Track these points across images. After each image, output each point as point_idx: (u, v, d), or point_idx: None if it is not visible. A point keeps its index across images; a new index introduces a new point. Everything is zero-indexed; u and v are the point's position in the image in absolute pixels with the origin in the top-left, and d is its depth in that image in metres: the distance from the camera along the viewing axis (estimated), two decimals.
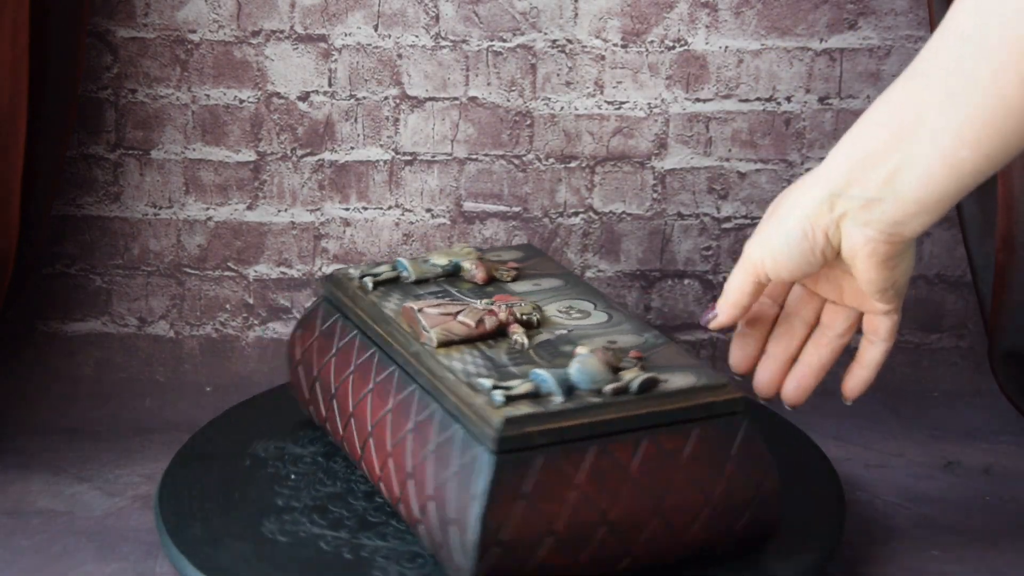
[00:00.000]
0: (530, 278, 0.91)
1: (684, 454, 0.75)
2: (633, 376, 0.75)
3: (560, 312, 0.86)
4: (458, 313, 0.82)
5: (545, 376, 0.75)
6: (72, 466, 0.99)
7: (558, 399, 0.74)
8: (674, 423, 0.75)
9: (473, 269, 0.91)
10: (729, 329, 0.80)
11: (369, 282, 0.89)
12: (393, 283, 0.90)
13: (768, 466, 0.76)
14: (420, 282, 0.90)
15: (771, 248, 0.74)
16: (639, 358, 0.79)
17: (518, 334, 0.82)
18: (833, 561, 0.84)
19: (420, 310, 0.83)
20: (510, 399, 0.73)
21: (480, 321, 0.82)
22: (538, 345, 0.81)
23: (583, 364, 0.75)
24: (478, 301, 0.86)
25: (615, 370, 0.76)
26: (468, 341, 0.81)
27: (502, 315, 0.83)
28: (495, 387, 0.74)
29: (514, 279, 0.91)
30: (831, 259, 0.74)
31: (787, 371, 0.83)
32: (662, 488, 0.74)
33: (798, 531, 0.83)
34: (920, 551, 0.89)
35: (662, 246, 1.17)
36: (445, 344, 0.81)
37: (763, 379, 0.82)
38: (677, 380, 0.76)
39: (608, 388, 0.74)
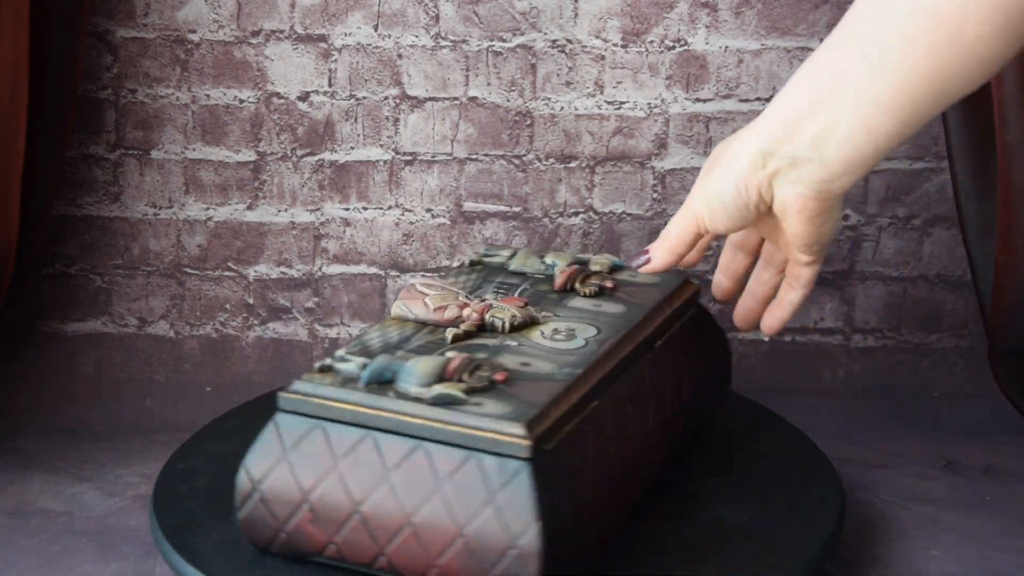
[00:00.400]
0: (612, 299, 0.90)
1: (446, 475, 0.72)
2: (447, 389, 0.74)
3: (547, 331, 0.85)
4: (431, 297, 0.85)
5: (370, 363, 0.76)
6: (72, 466, 0.99)
7: (359, 384, 0.75)
8: (447, 443, 0.73)
9: (558, 274, 0.91)
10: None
11: (470, 257, 0.93)
12: (487, 268, 0.94)
13: (530, 523, 0.70)
14: (517, 273, 0.93)
15: (708, 201, 0.77)
16: (502, 380, 0.76)
17: (454, 330, 0.82)
18: (833, 561, 0.84)
19: (412, 285, 0.85)
20: (322, 369, 0.76)
21: (442, 308, 0.84)
22: (471, 346, 0.81)
23: (414, 364, 0.76)
24: (488, 297, 0.86)
25: (458, 380, 0.75)
26: (424, 323, 0.83)
27: (469, 311, 0.84)
28: (336, 358, 0.77)
29: (593, 294, 0.90)
30: (763, 215, 0.76)
31: (763, 306, 0.86)
32: (418, 500, 0.73)
33: (798, 531, 0.83)
34: (920, 551, 0.89)
35: None
36: (398, 318, 0.84)
37: (740, 314, 0.86)
38: (489, 407, 0.73)
39: (413, 391, 0.74)
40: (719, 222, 0.77)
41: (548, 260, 0.94)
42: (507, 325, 0.83)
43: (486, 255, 0.96)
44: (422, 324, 0.84)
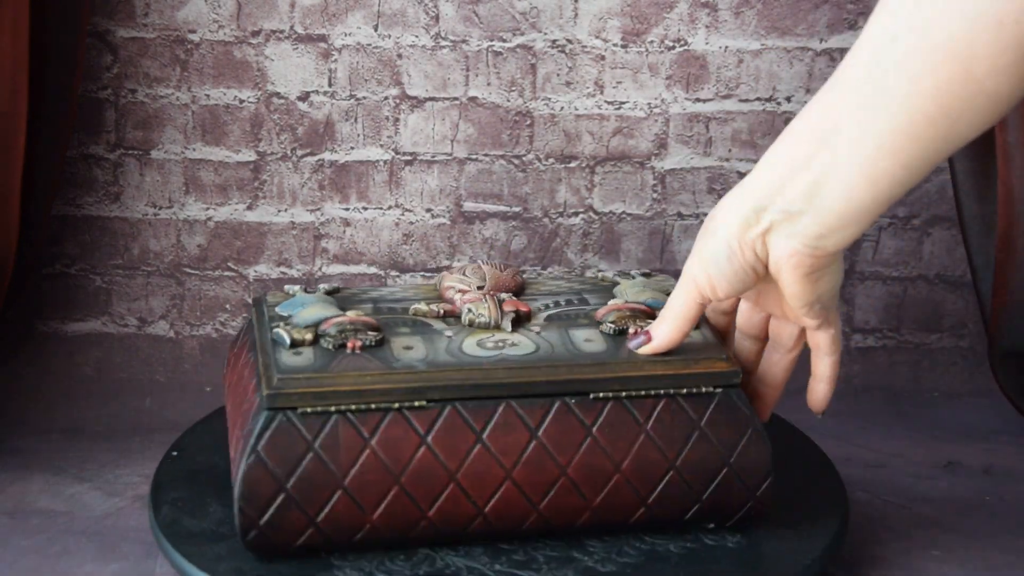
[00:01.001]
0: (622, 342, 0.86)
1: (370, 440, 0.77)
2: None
3: (493, 338, 0.83)
4: (460, 296, 0.86)
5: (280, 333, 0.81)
6: (72, 466, 0.99)
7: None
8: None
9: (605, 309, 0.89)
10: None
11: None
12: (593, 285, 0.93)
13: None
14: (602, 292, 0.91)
15: (705, 267, 0.74)
16: (352, 347, 0.80)
17: (418, 306, 0.85)
18: (833, 561, 0.84)
19: (477, 265, 0.89)
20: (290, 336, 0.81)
21: (451, 288, 0.87)
22: (401, 320, 0.84)
23: (306, 310, 0.83)
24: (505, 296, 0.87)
25: (322, 334, 0.81)
26: (435, 316, 0.85)
27: (459, 298, 0.86)
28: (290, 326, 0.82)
29: (612, 333, 0.85)
30: (763, 275, 0.73)
31: (778, 391, 0.83)
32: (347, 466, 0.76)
33: (798, 531, 0.83)
34: (920, 551, 0.89)
35: (662, 246, 1.17)
36: (418, 313, 0.85)
37: (757, 406, 0.82)
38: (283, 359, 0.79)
39: (295, 334, 0.80)
40: (719, 287, 0.74)
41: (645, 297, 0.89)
42: (467, 320, 0.83)
43: (613, 277, 0.93)
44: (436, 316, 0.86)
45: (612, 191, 1.16)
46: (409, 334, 0.82)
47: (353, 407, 0.76)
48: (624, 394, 0.78)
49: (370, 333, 0.80)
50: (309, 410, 0.76)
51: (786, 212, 0.69)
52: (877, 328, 1.19)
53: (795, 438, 0.97)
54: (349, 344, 0.79)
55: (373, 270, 1.17)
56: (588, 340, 0.82)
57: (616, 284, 0.91)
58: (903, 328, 1.19)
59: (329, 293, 0.88)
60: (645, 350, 0.79)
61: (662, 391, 0.78)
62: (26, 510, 0.92)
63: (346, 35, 1.13)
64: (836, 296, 0.76)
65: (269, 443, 0.75)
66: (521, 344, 0.81)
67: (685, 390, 0.78)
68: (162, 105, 1.14)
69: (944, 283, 1.18)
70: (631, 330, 0.82)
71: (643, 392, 0.78)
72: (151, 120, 1.14)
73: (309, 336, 0.80)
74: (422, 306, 0.85)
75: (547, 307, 0.87)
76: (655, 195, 1.16)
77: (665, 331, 0.78)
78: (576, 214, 1.16)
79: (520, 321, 0.84)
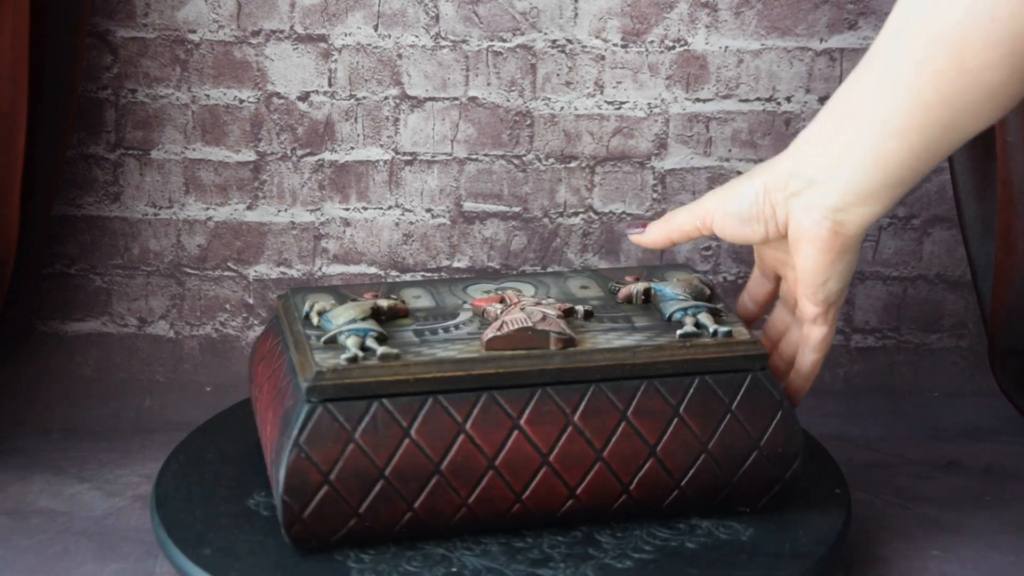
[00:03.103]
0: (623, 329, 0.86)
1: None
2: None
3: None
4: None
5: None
6: (72, 466, 0.99)
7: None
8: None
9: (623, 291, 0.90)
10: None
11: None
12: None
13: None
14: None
15: (724, 202, 0.77)
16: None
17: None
18: (833, 561, 0.84)
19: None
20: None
21: (495, 300, 0.88)
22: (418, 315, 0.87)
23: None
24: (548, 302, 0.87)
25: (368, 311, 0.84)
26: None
27: (492, 307, 0.87)
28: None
29: (638, 300, 0.88)
30: (772, 236, 0.76)
31: (775, 347, 0.87)
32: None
33: (798, 531, 0.83)
34: (920, 551, 0.89)
35: None
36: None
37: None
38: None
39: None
40: (727, 227, 0.77)
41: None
42: (487, 316, 0.85)
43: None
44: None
45: (612, 191, 1.16)
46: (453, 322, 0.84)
47: (391, 396, 0.77)
48: (656, 378, 0.79)
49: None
50: (348, 401, 0.77)
51: (811, 180, 0.72)
52: (877, 328, 1.19)
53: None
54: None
55: (373, 270, 1.17)
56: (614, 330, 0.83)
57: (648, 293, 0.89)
58: (903, 328, 1.19)
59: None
60: (636, 239, 0.85)
61: (693, 374, 0.80)
62: (26, 510, 0.92)
63: (346, 35, 1.13)
64: (842, 292, 0.78)
65: (311, 436, 0.76)
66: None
67: (715, 373, 0.80)
68: (162, 105, 1.14)
69: (944, 283, 1.18)
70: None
71: (674, 374, 0.80)
72: (151, 120, 1.14)
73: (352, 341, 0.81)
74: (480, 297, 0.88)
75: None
76: (655, 195, 1.16)
77: (655, 232, 0.83)
78: (576, 214, 1.16)
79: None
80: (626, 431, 0.79)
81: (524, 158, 1.15)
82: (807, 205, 0.73)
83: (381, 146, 1.15)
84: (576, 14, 1.12)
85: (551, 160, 1.15)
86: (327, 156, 1.15)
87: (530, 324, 0.81)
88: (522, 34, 1.13)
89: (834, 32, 1.13)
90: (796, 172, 0.73)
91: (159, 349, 1.17)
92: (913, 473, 1.01)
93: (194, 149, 1.15)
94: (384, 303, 0.86)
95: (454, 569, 0.78)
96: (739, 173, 1.15)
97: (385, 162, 1.15)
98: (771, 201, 0.74)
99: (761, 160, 1.15)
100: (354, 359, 0.78)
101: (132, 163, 1.15)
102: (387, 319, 0.85)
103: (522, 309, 0.83)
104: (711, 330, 0.82)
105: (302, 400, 0.77)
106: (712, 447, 0.80)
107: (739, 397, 0.80)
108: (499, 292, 0.89)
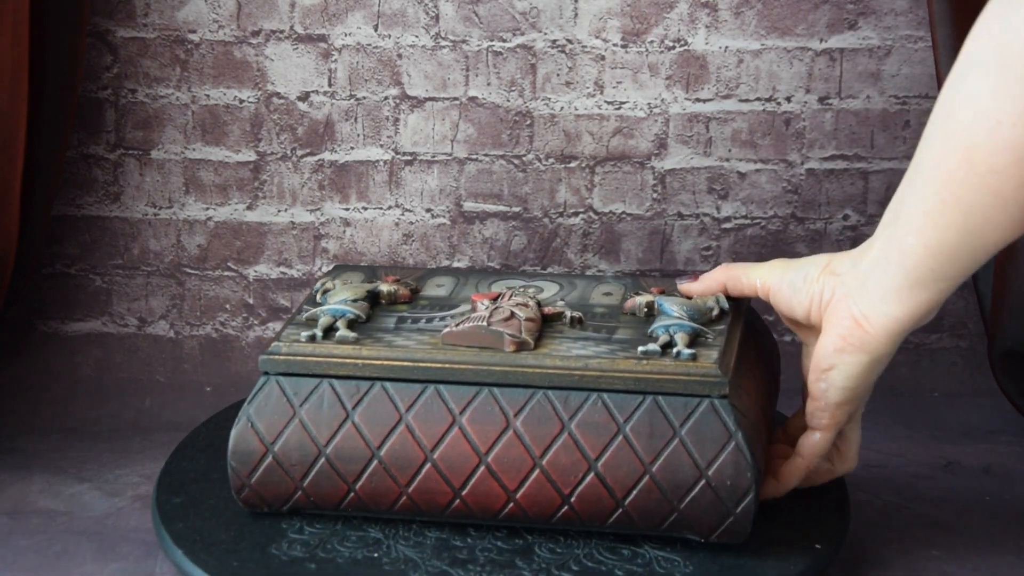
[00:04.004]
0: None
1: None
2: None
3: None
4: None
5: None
6: (72, 466, 0.99)
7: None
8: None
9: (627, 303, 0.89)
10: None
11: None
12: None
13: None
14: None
15: (788, 270, 0.78)
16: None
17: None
18: (833, 561, 0.84)
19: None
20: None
21: (490, 296, 0.89)
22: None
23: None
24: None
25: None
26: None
27: (485, 303, 0.87)
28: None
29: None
30: (813, 315, 0.76)
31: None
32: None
33: (798, 531, 0.83)
34: (920, 551, 0.89)
35: (662, 246, 1.17)
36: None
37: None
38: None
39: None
40: (781, 295, 0.78)
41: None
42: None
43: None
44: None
45: (612, 191, 1.16)
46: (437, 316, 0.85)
47: (340, 379, 0.79)
48: (606, 392, 0.78)
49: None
50: (298, 378, 0.79)
51: (856, 272, 0.73)
52: None
53: None
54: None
55: None
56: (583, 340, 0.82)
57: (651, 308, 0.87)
58: None
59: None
60: (684, 286, 0.85)
61: (646, 392, 0.78)
62: (26, 510, 0.92)
63: (346, 35, 1.13)
64: (847, 404, 0.77)
65: (259, 407, 0.79)
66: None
67: (669, 395, 0.78)
68: (162, 105, 1.14)
69: None
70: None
71: (624, 391, 0.78)
72: (151, 120, 1.14)
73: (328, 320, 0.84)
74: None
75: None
76: (655, 195, 1.16)
77: (706, 283, 0.84)
78: (576, 214, 1.16)
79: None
80: (567, 442, 0.78)
81: (524, 158, 1.15)
82: (845, 294, 0.73)
83: (381, 146, 1.15)
84: (576, 14, 1.12)
85: (551, 160, 1.15)
86: (327, 156, 1.15)
87: (484, 323, 0.81)
88: (522, 34, 1.13)
89: (834, 32, 1.13)
90: (855, 259, 0.74)
91: (159, 349, 1.17)
92: (913, 473, 1.01)
93: (194, 149, 1.15)
94: (385, 288, 0.88)
95: (375, 555, 0.79)
96: (739, 173, 1.15)
97: (385, 162, 1.15)
98: (824, 281, 0.75)
99: (760, 159, 1.15)
100: (312, 338, 0.81)
101: (132, 163, 1.15)
102: (387, 303, 0.87)
103: (499, 308, 0.83)
104: (675, 351, 0.79)
105: (260, 372, 0.81)
106: (656, 469, 0.77)
107: (690, 423, 0.77)
108: (519, 289, 0.89)
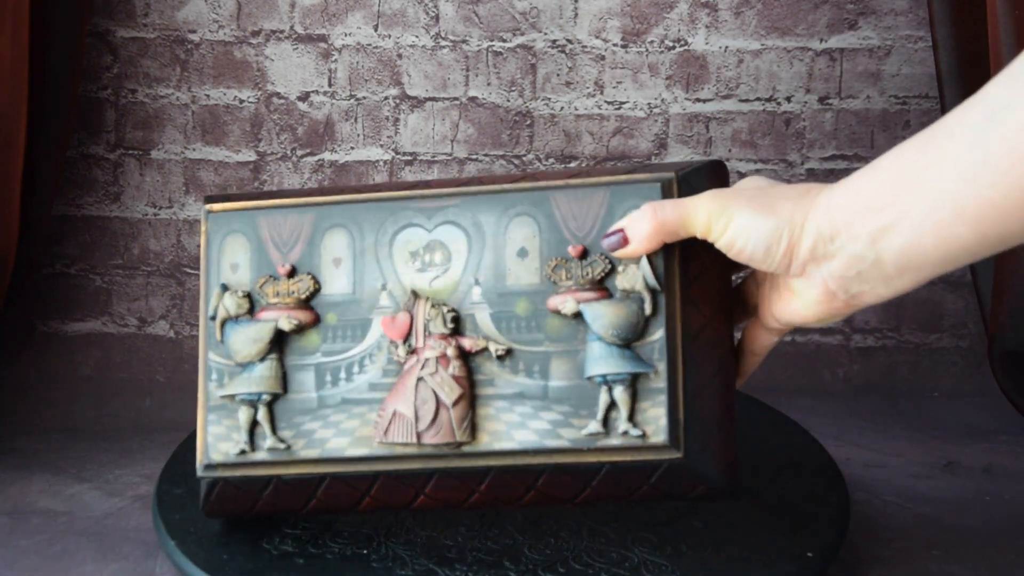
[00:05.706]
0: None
1: None
2: None
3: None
4: None
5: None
6: (72, 466, 0.99)
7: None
8: None
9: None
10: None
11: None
12: None
13: None
14: None
15: (740, 213, 0.69)
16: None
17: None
18: (833, 561, 0.84)
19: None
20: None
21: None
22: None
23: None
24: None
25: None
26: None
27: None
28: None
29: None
30: (780, 271, 0.69)
31: None
32: None
33: (799, 531, 0.83)
34: (920, 551, 0.89)
35: None
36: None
37: None
38: None
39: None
40: (741, 252, 0.69)
41: None
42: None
43: None
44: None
45: None
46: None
47: (286, 477, 0.79)
48: (560, 468, 0.75)
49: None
50: (246, 479, 0.79)
51: (848, 255, 0.67)
52: (877, 328, 1.19)
53: (796, 437, 0.97)
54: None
55: None
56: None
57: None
58: (903, 328, 1.19)
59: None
60: (621, 253, 0.73)
61: (600, 463, 0.75)
62: (26, 510, 0.92)
63: (346, 35, 1.13)
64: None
65: (216, 502, 0.79)
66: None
67: (623, 463, 0.75)
68: (162, 105, 1.14)
69: (944, 283, 1.18)
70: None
71: (578, 464, 0.75)
72: (151, 120, 1.14)
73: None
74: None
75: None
76: None
77: (638, 245, 0.72)
78: None
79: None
80: (536, 498, 0.77)
81: (524, 158, 1.15)
82: (831, 275, 0.67)
83: (381, 146, 1.15)
84: (576, 14, 1.12)
85: (551, 160, 1.15)
86: (327, 156, 1.15)
87: (415, 438, 0.78)
88: (522, 34, 1.13)
89: (834, 32, 1.13)
90: (832, 237, 0.66)
91: (159, 349, 1.17)
92: (913, 473, 1.01)
93: (194, 149, 1.15)
94: (286, 325, 0.79)
95: (364, 551, 0.80)
96: (739, 173, 1.15)
97: (385, 162, 1.15)
98: (790, 249, 0.67)
99: (760, 159, 1.15)
100: (242, 453, 0.78)
101: (132, 163, 1.15)
102: (295, 333, 0.80)
103: (423, 366, 0.80)
104: (620, 430, 0.74)
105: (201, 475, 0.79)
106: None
107: (655, 476, 0.74)
108: (430, 309, 0.80)
